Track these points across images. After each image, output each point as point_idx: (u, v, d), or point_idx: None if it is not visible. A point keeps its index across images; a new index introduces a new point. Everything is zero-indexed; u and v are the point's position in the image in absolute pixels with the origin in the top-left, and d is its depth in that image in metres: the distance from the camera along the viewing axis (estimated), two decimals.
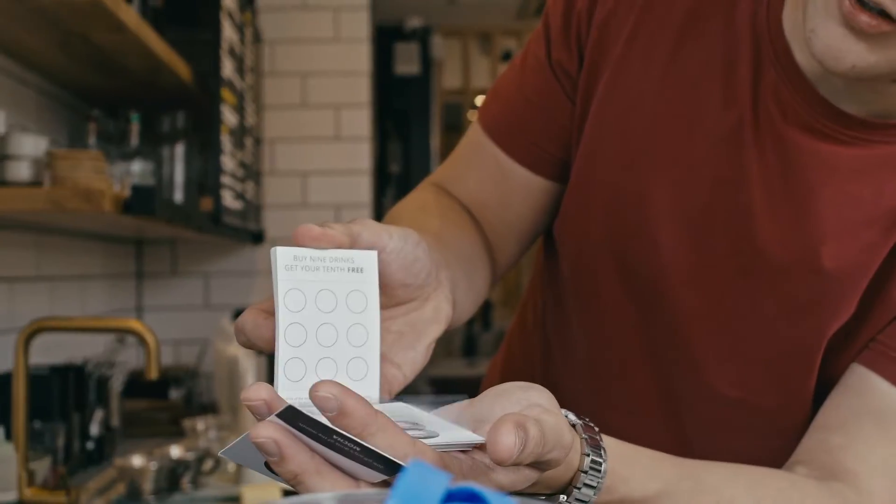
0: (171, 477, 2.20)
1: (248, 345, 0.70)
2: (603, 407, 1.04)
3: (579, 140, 1.05)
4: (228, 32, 2.97)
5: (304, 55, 3.83)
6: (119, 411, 2.69)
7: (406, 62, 5.75)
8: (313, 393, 0.60)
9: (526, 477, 0.67)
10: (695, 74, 0.98)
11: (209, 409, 3.14)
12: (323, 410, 0.60)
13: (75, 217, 2.13)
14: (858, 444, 0.92)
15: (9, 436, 1.96)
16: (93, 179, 1.90)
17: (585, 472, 0.74)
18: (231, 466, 2.41)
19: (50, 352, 2.42)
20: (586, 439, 0.75)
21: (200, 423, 2.59)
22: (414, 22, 5.75)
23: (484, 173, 1.11)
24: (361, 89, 3.88)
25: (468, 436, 0.66)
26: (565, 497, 0.74)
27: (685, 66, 0.99)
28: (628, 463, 0.78)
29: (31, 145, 2.00)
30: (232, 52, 3.03)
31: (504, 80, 1.13)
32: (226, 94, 2.93)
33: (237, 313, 3.52)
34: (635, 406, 1.05)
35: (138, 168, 2.70)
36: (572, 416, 0.75)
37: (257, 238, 3.67)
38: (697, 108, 0.98)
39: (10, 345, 2.19)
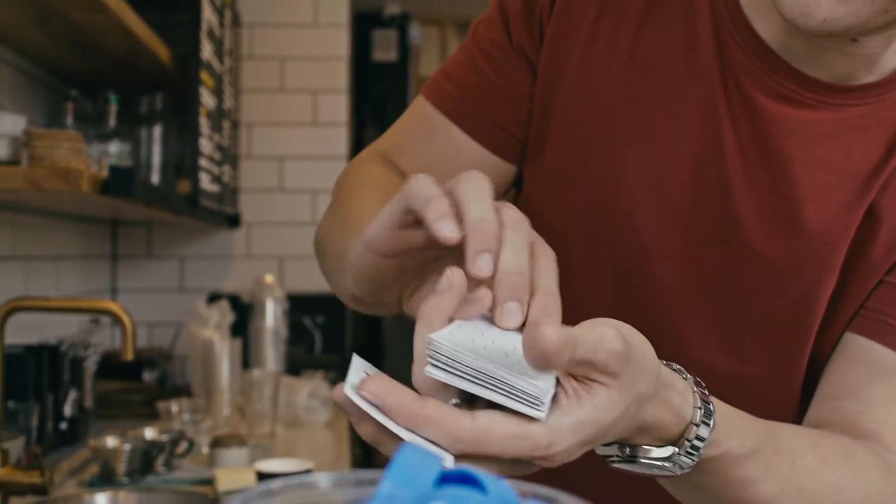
0: (145, 458, 2.20)
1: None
2: None
3: (544, 129, 1.05)
4: (208, 15, 2.96)
5: (282, 39, 3.82)
6: (93, 392, 2.68)
7: (384, 49, 5.74)
8: (360, 391, 0.62)
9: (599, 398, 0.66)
10: (658, 56, 1.00)
11: (183, 391, 3.13)
12: (349, 412, 0.62)
13: (52, 197, 2.13)
14: (874, 407, 0.94)
15: None
16: (71, 160, 1.90)
17: (697, 425, 0.74)
18: (204, 449, 2.41)
19: (24, 332, 2.41)
20: (698, 393, 0.76)
21: (174, 406, 2.59)
22: (393, 8, 5.73)
23: (434, 148, 1.10)
24: (340, 75, 3.87)
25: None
26: (676, 449, 0.75)
27: (648, 49, 1.01)
28: (728, 420, 0.78)
29: (10, 124, 1.99)
30: (211, 34, 3.02)
31: (455, 62, 1.12)
32: (204, 76, 2.92)
33: (212, 297, 3.51)
34: None
35: (116, 149, 2.69)
36: (677, 367, 0.76)
37: (233, 222, 3.67)
38: (664, 88, 1.00)
39: None
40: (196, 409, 2.61)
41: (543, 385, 0.62)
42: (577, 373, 0.65)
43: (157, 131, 2.90)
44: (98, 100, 2.74)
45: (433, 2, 6.06)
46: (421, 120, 1.12)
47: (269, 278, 3.37)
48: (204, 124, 2.92)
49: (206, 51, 2.94)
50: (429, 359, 0.63)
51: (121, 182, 1.94)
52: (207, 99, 2.97)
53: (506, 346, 0.65)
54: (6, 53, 2.46)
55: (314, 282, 3.72)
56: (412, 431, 0.60)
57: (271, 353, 3.30)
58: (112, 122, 2.71)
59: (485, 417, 0.62)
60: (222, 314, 3.08)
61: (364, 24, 5.55)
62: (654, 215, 1.00)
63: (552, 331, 0.61)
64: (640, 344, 0.69)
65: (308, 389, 2.93)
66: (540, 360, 0.61)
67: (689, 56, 0.99)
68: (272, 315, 3.32)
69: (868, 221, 0.97)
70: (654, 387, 0.70)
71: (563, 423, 0.64)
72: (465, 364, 0.62)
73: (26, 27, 2.27)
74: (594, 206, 1.02)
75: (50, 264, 2.84)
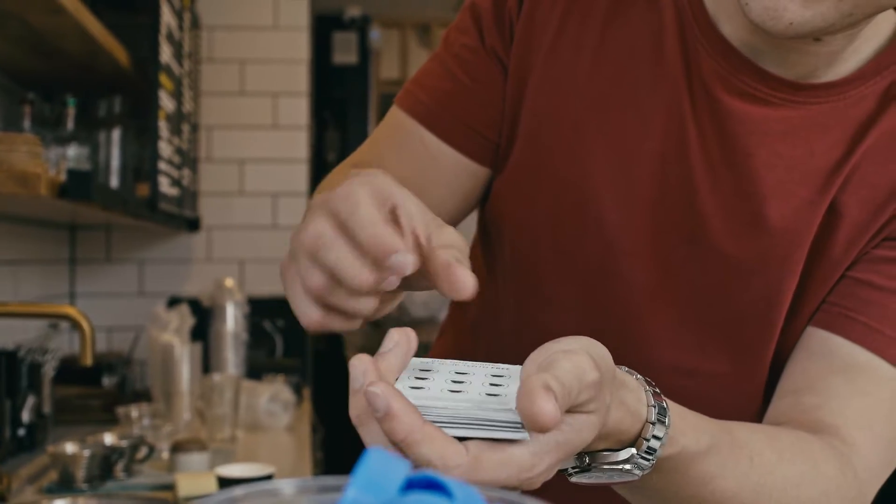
0: (105, 464, 2.18)
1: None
2: None
3: (514, 130, 1.06)
4: (167, 17, 2.95)
5: (242, 42, 3.80)
6: (51, 398, 2.65)
7: (344, 52, 5.74)
8: (367, 388, 0.62)
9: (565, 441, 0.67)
10: (623, 56, 1.02)
11: (142, 396, 3.11)
12: (372, 407, 0.62)
13: (9, 201, 2.11)
14: (832, 401, 0.95)
15: None
16: (28, 163, 1.88)
17: (653, 424, 0.75)
18: (165, 454, 2.40)
19: None
20: (650, 392, 0.77)
21: (134, 411, 2.57)
22: (353, 11, 5.73)
23: (407, 155, 1.10)
24: (300, 77, 3.86)
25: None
26: (635, 450, 0.75)
27: (613, 50, 1.02)
28: (682, 417, 0.79)
29: None
30: (170, 37, 3.01)
31: (428, 71, 1.12)
32: (164, 79, 2.91)
33: (172, 301, 3.49)
34: None
35: (74, 153, 2.67)
36: (627, 369, 0.77)
37: (193, 225, 3.65)
38: (629, 88, 1.01)
39: None
40: (156, 413, 2.60)
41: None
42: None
43: (116, 135, 2.88)
44: (56, 103, 2.71)
45: (393, 4, 6.06)
46: (394, 129, 1.12)
47: (230, 282, 3.35)
48: (163, 127, 2.90)
49: (166, 53, 2.93)
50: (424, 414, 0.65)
51: (79, 186, 1.92)
52: (167, 102, 2.95)
53: (465, 385, 0.68)
54: None
55: (275, 285, 3.71)
56: (405, 447, 0.62)
57: (232, 357, 3.29)
58: (70, 125, 2.68)
59: (473, 446, 0.64)
60: (182, 318, 3.06)
61: (324, 27, 5.55)
62: (619, 214, 1.01)
63: (552, 407, 0.62)
64: (605, 358, 0.70)
65: (269, 393, 2.92)
66: (539, 429, 0.63)
67: (654, 55, 1.01)
68: (232, 319, 3.30)
69: (829, 218, 0.99)
70: (612, 392, 0.71)
71: (542, 443, 0.65)
72: (440, 414, 0.65)
73: None
74: (561, 204, 1.03)
75: (7, 269, 2.81)
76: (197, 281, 3.71)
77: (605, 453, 0.76)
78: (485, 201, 1.14)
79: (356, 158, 1.13)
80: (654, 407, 0.76)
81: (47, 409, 2.62)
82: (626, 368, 0.78)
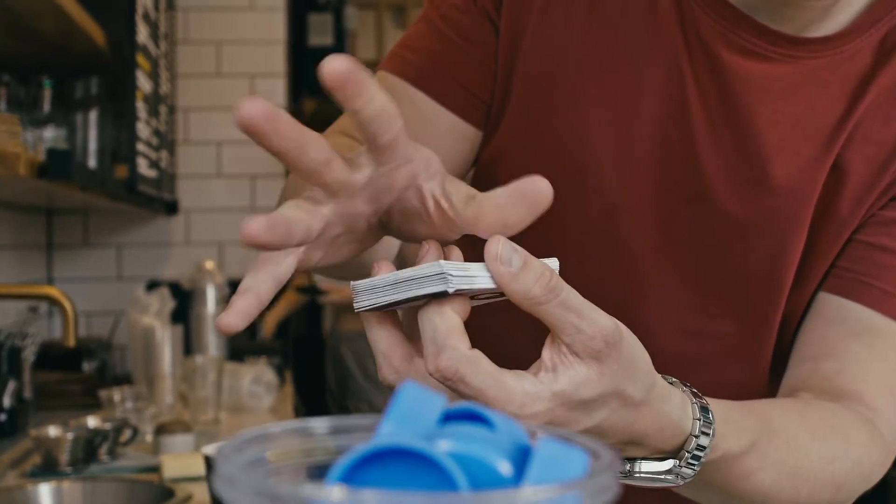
0: (88, 447, 2.16)
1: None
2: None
3: (507, 92, 1.04)
4: None
5: (218, 23, 3.77)
6: (32, 383, 2.63)
7: (319, 33, 5.70)
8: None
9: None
10: (616, 17, 1.00)
11: (123, 380, 3.09)
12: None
13: None
14: (852, 366, 0.94)
15: None
16: (7, 143, 1.86)
17: (697, 436, 0.74)
18: (149, 437, 2.38)
19: None
20: (697, 404, 0.75)
21: (117, 394, 2.55)
22: None
23: None
24: (277, 59, 3.84)
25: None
26: (677, 462, 0.74)
27: (606, 8, 1.00)
28: (725, 421, 0.77)
29: None
30: (146, 17, 2.98)
31: (415, 33, 1.09)
32: (141, 60, 2.88)
33: (151, 285, 3.47)
34: None
35: (51, 135, 2.64)
36: (672, 380, 0.76)
37: (171, 208, 3.62)
38: (624, 48, 0.99)
39: None
40: (138, 396, 2.58)
41: (445, 263, 0.63)
42: (562, 331, 0.64)
43: (93, 116, 2.85)
44: (32, 84, 2.68)
45: None
46: None
47: (210, 264, 3.33)
48: (141, 108, 2.88)
49: (142, 34, 2.90)
50: (355, 303, 0.66)
51: (58, 165, 1.90)
52: (144, 83, 2.92)
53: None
54: None
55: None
56: None
57: (213, 340, 3.27)
58: (46, 107, 2.66)
59: (475, 352, 0.63)
60: (163, 301, 3.04)
61: (299, 9, 5.51)
62: (620, 175, 0.99)
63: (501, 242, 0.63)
64: (634, 345, 0.69)
65: (252, 375, 2.90)
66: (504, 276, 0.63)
67: (647, 13, 0.99)
68: (213, 301, 3.29)
69: (834, 176, 0.98)
70: (644, 394, 0.69)
71: (537, 388, 0.64)
72: (380, 285, 0.65)
73: None
74: (559, 166, 1.01)
75: None
76: (176, 264, 3.68)
77: (645, 462, 0.75)
78: (473, 169, 1.11)
79: (341, 125, 1.10)
80: (700, 419, 0.74)
81: (28, 394, 2.59)
82: (672, 379, 0.76)
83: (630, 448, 0.72)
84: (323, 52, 5.43)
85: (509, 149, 1.05)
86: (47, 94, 2.65)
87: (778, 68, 0.97)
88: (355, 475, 0.38)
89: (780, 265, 0.99)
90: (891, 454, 0.93)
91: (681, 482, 0.75)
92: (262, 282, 0.65)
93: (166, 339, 2.89)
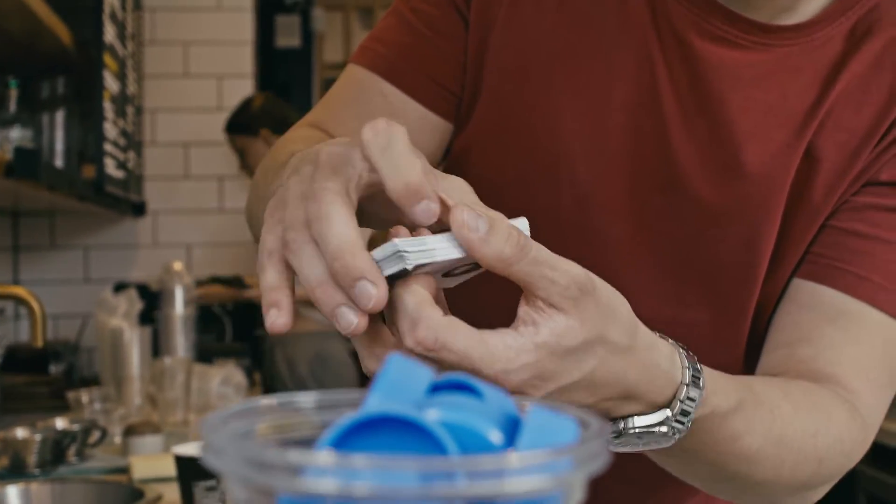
0: (57, 449, 2.14)
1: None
2: None
3: (477, 84, 1.04)
4: None
5: (186, 24, 3.75)
6: None
7: (287, 35, 5.68)
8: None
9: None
10: (587, 7, 1.01)
11: (91, 383, 3.07)
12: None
13: None
14: (826, 351, 0.94)
15: None
16: None
17: (688, 385, 0.74)
18: (117, 438, 2.36)
19: None
20: (684, 354, 0.75)
21: (85, 395, 2.53)
22: None
23: (366, 111, 1.04)
24: (244, 60, 3.82)
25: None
26: (670, 412, 0.74)
27: (576, 2, 1.00)
28: (712, 378, 0.78)
29: None
30: (114, 17, 2.96)
31: (385, 26, 1.09)
32: (108, 59, 2.86)
33: (118, 287, 3.45)
34: None
35: (17, 135, 2.62)
36: (660, 334, 0.76)
37: (139, 210, 3.60)
38: (596, 37, 1.00)
39: None
40: (107, 398, 2.56)
41: (399, 241, 0.62)
42: (536, 286, 0.64)
43: (60, 116, 2.83)
44: None
45: None
46: (351, 84, 1.09)
47: (178, 265, 3.31)
48: (108, 108, 2.86)
49: (109, 34, 2.88)
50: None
51: (26, 164, 1.88)
52: (111, 83, 2.91)
53: None
54: None
55: (223, 269, 3.67)
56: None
57: (181, 341, 3.25)
58: (12, 107, 2.64)
59: (451, 318, 0.63)
60: (130, 302, 3.02)
61: (267, 10, 5.49)
62: (592, 165, 1.00)
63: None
64: (611, 294, 0.69)
65: (221, 376, 2.88)
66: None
67: (619, 4, 1.00)
68: (181, 302, 3.27)
69: (807, 162, 0.98)
70: (629, 339, 0.69)
71: (519, 341, 0.63)
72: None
73: None
74: (532, 158, 1.01)
75: None
76: (143, 266, 3.66)
77: (638, 417, 0.75)
78: (443, 163, 1.11)
79: (310, 119, 1.10)
80: (689, 369, 0.75)
81: None
82: (659, 333, 0.76)
83: (625, 404, 0.72)
84: (290, 54, 5.43)
85: (480, 141, 1.05)
86: (13, 93, 2.63)
87: (750, 56, 0.98)
88: (345, 445, 0.38)
89: (753, 252, 0.99)
90: (870, 435, 0.94)
91: (673, 436, 0.75)
92: (283, 273, 0.64)
93: (134, 341, 2.88)
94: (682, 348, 0.77)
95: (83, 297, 3.57)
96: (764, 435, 0.84)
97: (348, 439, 0.37)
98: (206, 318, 3.55)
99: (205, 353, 3.33)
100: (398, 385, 0.40)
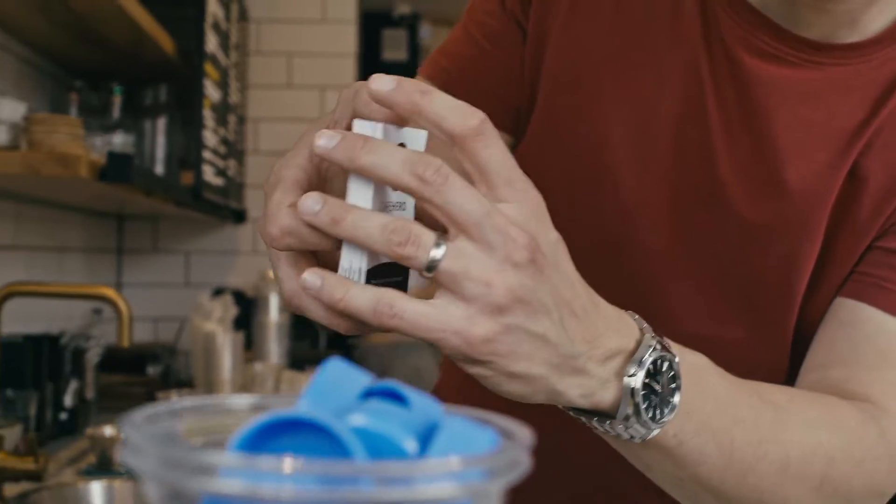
0: None
1: (292, 247, 0.67)
2: None
3: (533, 94, 1.05)
4: (213, 8, 2.96)
5: (290, 35, 3.81)
6: (94, 384, 2.67)
7: (394, 48, 5.74)
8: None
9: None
10: (641, 18, 1.00)
11: (186, 385, 3.13)
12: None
13: (52, 184, 2.12)
14: (862, 372, 0.91)
15: None
16: (69, 145, 1.90)
17: (650, 337, 0.73)
18: None
19: (28, 322, 2.41)
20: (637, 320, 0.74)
21: (175, 396, 2.58)
22: (403, 8, 5.73)
23: None
24: (347, 71, 3.87)
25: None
26: (651, 341, 0.73)
27: (631, 12, 1.00)
28: (696, 372, 0.77)
29: (9, 110, 1.99)
30: (217, 27, 3.02)
31: (451, 39, 1.11)
32: (209, 69, 2.92)
33: (216, 292, 3.51)
34: None
35: (119, 140, 2.69)
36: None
37: (239, 217, 3.66)
38: (647, 50, 0.99)
39: None
40: None
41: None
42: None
43: (161, 123, 2.90)
44: (102, 91, 2.74)
45: (443, 2, 6.06)
46: None
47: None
48: (208, 117, 2.92)
49: (211, 43, 2.94)
50: None
51: (118, 168, 1.93)
52: (212, 91, 2.97)
53: None
54: (11, 43, 2.46)
55: None
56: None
57: (274, 348, 3.30)
58: (116, 113, 2.71)
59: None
60: (226, 308, 3.07)
61: (373, 24, 5.55)
62: (637, 177, 0.99)
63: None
64: (557, 244, 0.68)
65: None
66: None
67: (672, 15, 0.99)
68: (276, 309, 3.31)
69: (852, 182, 0.96)
70: (572, 294, 0.68)
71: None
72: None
73: (31, 17, 2.27)
74: (578, 168, 1.01)
75: (54, 257, 2.84)
76: (242, 272, 3.72)
77: (630, 367, 0.72)
78: None
79: None
80: (655, 348, 0.73)
81: (90, 394, 2.64)
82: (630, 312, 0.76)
83: (593, 354, 0.70)
84: (396, 68, 5.48)
85: (530, 153, 1.05)
86: (117, 100, 2.71)
87: (800, 73, 0.96)
88: (260, 447, 0.38)
89: (793, 270, 0.97)
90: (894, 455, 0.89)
91: (656, 387, 0.73)
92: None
93: (227, 345, 2.93)
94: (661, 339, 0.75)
95: (183, 300, 3.64)
96: (757, 423, 0.81)
97: (266, 442, 0.38)
98: (300, 326, 3.59)
99: (298, 361, 3.37)
100: (331, 388, 0.40)
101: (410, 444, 0.40)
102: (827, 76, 0.96)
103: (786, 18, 0.96)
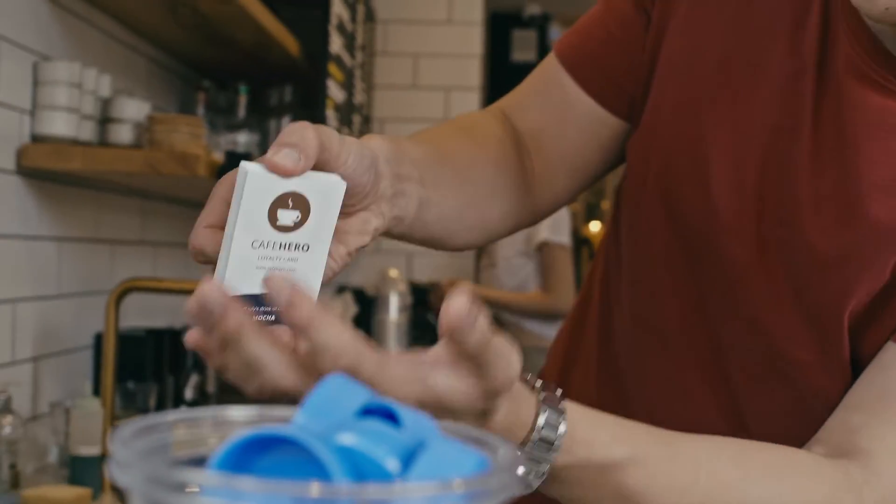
0: None
1: (207, 262, 0.71)
2: (644, 373, 1.03)
3: (648, 82, 1.04)
4: (338, 9, 3.00)
5: (416, 36, 3.84)
6: (216, 378, 2.72)
7: (523, 49, 5.73)
8: (266, 282, 0.58)
9: (467, 387, 0.63)
10: (765, 21, 0.98)
11: None
12: (275, 297, 0.58)
13: (174, 182, 2.17)
14: (877, 424, 0.87)
15: (97, 392, 2.01)
16: (189, 144, 1.94)
17: (541, 428, 0.71)
18: None
19: (151, 316, 2.47)
20: (544, 398, 0.73)
21: None
22: (533, 9, 5.72)
23: (547, 101, 1.09)
24: (473, 72, 3.87)
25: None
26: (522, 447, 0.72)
27: (756, 12, 0.98)
28: (592, 426, 0.75)
29: (134, 109, 2.04)
30: (342, 28, 3.06)
31: (586, 16, 1.12)
32: (333, 69, 2.96)
33: (338, 290, 3.55)
34: (677, 370, 1.03)
35: (244, 139, 2.74)
36: (534, 379, 0.74)
37: None
38: (763, 54, 0.97)
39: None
40: None
41: None
42: (481, 357, 0.62)
43: (286, 123, 2.94)
44: (229, 91, 2.79)
45: (574, 2, 6.03)
46: (540, 73, 1.12)
47: (394, 272, 3.39)
48: (331, 117, 2.95)
49: (336, 44, 2.98)
50: None
51: (235, 167, 1.96)
52: (336, 92, 3.00)
53: None
54: (141, 45, 2.53)
55: (442, 277, 3.73)
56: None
57: (394, 346, 3.32)
58: (242, 112, 2.76)
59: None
60: (346, 306, 3.11)
61: (503, 24, 5.55)
62: (724, 179, 0.97)
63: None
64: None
65: None
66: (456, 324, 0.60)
67: (794, 27, 0.96)
68: (395, 309, 3.34)
69: None
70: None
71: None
72: None
73: (160, 20, 2.33)
74: (672, 162, 1.00)
75: (179, 252, 2.90)
76: (364, 271, 3.76)
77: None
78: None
79: (500, 103, 1.14)
80: (545, 412, 0.71)
81: (211, 388, 2.69)
82: (532, 375, 0.74)
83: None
84: (525, 68, 5.45)
85: (643, 137, 1.04)
86: (243, 100, 2.76)
87: None
88: (245, 463, 0.38)
89: (846, 302, 0.92)
90: None
91: (533, 479, 0.72)
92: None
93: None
94: (549, 393, 0.73)
95: None
96: (675, 498, 0.78)
97: (254, 456, 0.38)
98: (420, 325, 3.61)
99: None
100: (328, 404, 0.40)
101: (392, 464, 0.40)
102: None
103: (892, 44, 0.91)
